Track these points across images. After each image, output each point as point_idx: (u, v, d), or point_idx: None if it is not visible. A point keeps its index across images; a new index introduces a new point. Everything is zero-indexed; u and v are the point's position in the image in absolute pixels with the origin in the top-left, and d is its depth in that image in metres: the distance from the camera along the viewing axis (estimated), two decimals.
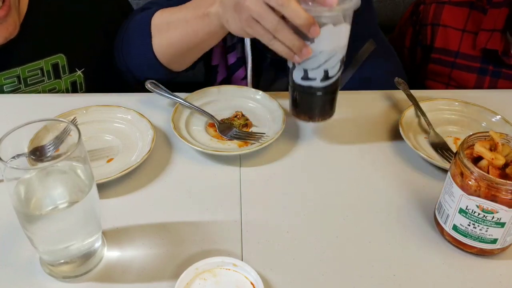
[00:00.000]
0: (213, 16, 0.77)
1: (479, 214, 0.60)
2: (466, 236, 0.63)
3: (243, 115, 0.87)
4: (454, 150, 0.82)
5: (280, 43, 0.66)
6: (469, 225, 0.61)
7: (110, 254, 0.63)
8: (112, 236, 0.65)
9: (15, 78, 0.97)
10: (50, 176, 0.57)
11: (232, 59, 1.05)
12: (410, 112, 0.88)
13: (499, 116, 0.87)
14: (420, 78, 1.19)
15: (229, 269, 0.59)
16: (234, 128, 0.84)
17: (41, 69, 0.99)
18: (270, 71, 1.04)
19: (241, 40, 1.01)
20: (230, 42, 1.04)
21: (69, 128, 0.57)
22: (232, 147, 0.81)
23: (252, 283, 0.58)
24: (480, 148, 0.61)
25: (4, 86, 0.96)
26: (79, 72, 1.03)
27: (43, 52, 0.99)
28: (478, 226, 0.61)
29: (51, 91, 1.01)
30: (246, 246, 0.64)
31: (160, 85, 0.89)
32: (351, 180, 0.76)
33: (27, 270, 0.60)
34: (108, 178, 0.70)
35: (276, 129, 0.83)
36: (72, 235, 0.57)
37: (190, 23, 0.82)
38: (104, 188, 0.71)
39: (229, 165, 0.78)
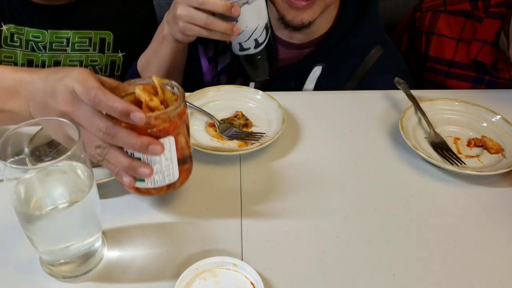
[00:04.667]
0: (168, 37, 0.89)
1: None
2: None
3: (243, 115, 0.87)
4: (454, 150, 0.82)
5: (215, 31, 0.80)
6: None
7: (110, 254, 0.63)
8: (112, 236, 0.65)
9: (64, 40, 1.02)
10: (50, 176, 0.57)
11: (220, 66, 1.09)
12: (410, 112, 0.88)
13: (499, 116, 0.87)
14: (415, 85, 1.18)
15: (229, 269, 0.59)
16: (234, 128, 0.84)
17: (90, 39, 1.05)
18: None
19: (224, 52, 1.07)
20: (211, 53, 1.08)
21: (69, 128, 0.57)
22: (232, 147, 0.81)
23: (252, 283, 0.58)
24: (138, 92, 0.60)
25: (54, 44, 1.02)
26: (120, 54, 1.09)
27: (95, 24, 1.05)
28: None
29: (93, 62, 1.07)
30: (246, 246, 0.64)
31: None
32: (351, 180, 0.76)
33: (27, 270, 0.60)
34: (108, 178, 0.70)
35: (276, 129, 0.83)
36: (72, 235, 0.57)
37: (157, 52, 0.94)
38: (104, 188, 0.70)
39: (229, 165, 0.78)
